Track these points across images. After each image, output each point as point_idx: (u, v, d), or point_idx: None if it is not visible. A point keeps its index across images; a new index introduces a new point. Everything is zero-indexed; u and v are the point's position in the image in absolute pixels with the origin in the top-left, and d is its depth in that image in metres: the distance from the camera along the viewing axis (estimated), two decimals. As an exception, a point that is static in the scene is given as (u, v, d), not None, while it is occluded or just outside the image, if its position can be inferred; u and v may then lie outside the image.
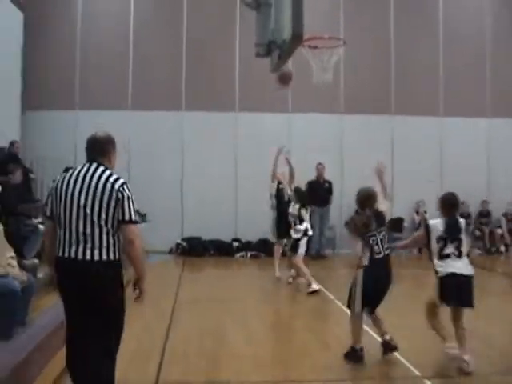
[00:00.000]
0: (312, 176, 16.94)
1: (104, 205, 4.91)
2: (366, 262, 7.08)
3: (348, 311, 7.43)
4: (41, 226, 10.54)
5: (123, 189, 4.96)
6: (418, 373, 6.70)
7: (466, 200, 16.42)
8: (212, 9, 17.56)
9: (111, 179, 4.99)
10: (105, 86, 17.11)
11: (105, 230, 4.92)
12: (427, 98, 18.24)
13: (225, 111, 17.61)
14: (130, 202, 4.97)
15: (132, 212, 4.96)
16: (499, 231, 17.95)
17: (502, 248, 18.14)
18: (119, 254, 5.04)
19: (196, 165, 17.39)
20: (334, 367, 6.94)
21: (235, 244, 17.45)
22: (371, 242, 7.11)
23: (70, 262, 4.93)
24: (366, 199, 7.41)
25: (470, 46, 18.59)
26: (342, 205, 17.40)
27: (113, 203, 4.92)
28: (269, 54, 8.95)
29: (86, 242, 4.90)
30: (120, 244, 5.03)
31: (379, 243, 7.13)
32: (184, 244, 17.27)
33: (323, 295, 11.43)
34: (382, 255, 7.13)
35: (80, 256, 4.89)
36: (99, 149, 5.20)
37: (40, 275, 8.89)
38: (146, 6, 17.88)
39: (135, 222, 5.01)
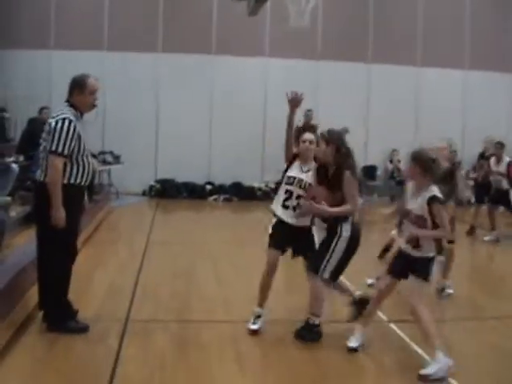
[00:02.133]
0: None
1: (47, 137, 5.76)
2: None
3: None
4: (13, 165, 10.50)
5: (55, 123, 5.70)
6: (384, 317, 6.87)
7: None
8: None
9: (54, 114, 5.86)
10: (80, 25, 16.72)
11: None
12: (405, 47, 18.14)
13: (201, 53, 17.39)
14: (57, 135, 5.66)
15: (54, 143, 5.67)
16: (470, 182, 18.05)
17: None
18: (69, 178, 5.81)
19: (171, 107, 17.27)
20: (304, 308, 7.04)
21: (208, 187, 17.49)
22: None
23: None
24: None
25: (449, -4, 18.52)
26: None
27: (48, 135, 5.73)
28: (246, -3, 8.89)
29: (41, 166, 5.85)
30: (71, 169, 5.82)
31: None
32: (157, 186, 17.27)
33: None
34: None
35: (36, 177, 5.90)
36: (69, 89, 5.98)
37: (13, 213, 8.91)
38: None
39: (55, 153, 5.67)
